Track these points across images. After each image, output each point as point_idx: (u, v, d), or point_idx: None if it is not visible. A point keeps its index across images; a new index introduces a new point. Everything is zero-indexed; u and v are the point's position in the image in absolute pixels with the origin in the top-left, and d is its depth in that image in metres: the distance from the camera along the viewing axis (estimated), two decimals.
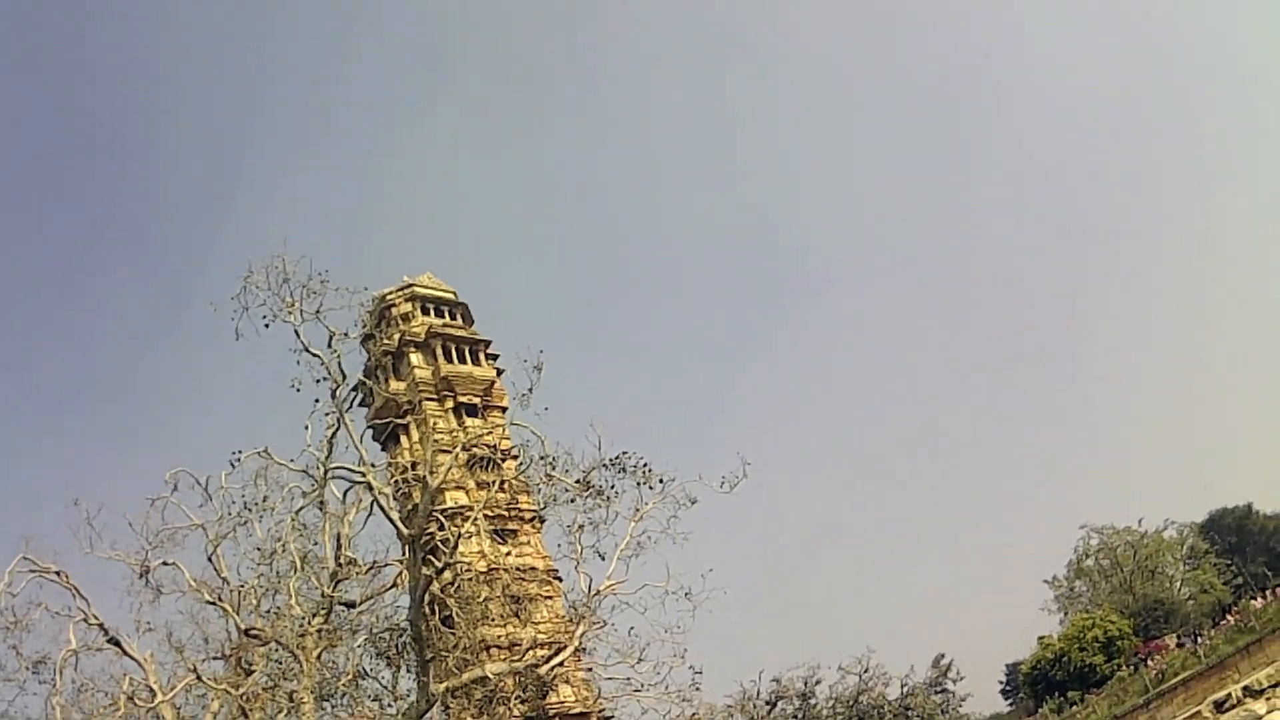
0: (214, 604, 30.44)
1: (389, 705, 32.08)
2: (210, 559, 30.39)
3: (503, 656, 36.81)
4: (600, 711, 44.88)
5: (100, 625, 29.36)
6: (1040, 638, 54.30)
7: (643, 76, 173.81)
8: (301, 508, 30.92)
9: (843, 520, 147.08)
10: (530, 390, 28.42)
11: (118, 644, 29.59)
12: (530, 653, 32.89)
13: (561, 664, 31.85)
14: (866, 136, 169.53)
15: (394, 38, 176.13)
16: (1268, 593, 38.22)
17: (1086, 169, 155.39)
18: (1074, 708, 40.17)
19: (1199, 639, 41.12)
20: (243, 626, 30.29)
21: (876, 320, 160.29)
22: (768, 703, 62.50)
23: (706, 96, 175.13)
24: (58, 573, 29.21)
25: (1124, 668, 43.27)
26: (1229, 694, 29.09)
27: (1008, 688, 75.71)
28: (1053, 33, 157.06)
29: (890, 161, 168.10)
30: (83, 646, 29.29)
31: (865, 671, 62.32)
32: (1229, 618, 42.16)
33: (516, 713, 32.05)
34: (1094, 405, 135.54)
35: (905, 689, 62.64)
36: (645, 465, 30.68)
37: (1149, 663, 40.38)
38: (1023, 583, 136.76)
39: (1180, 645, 42.89)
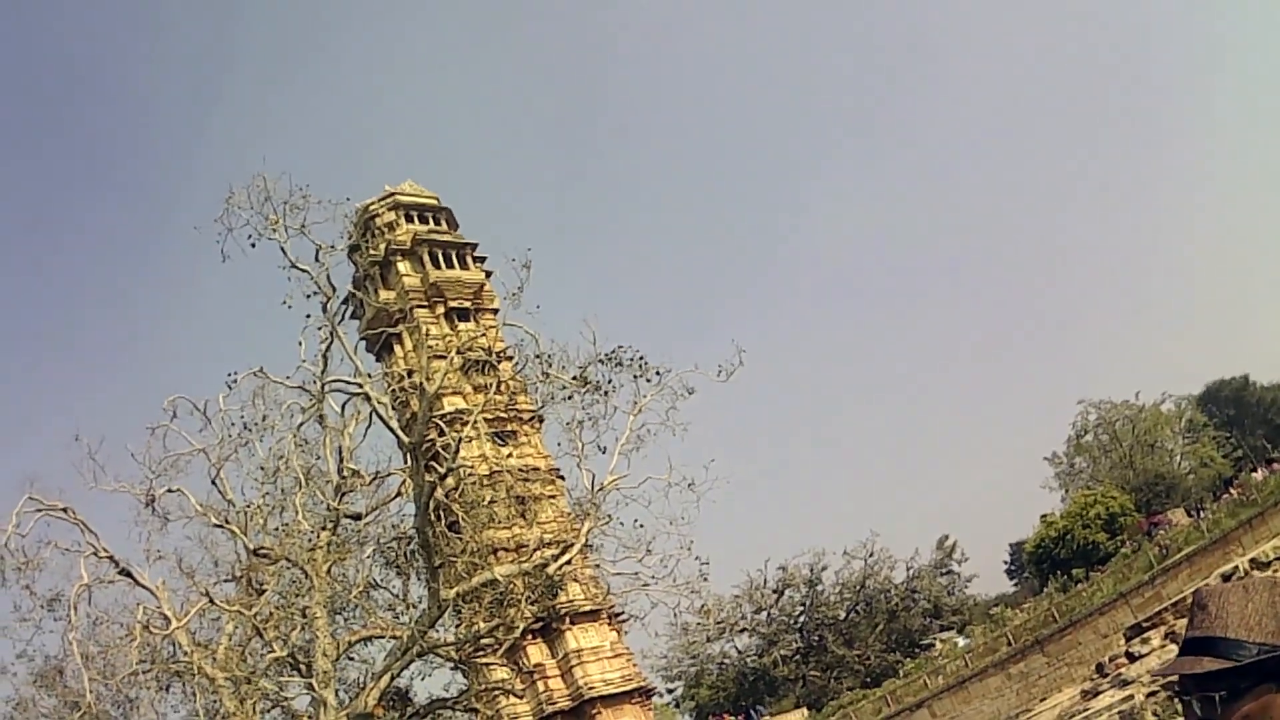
0: (221, 527, 30.46)
1: (401, 614, 32.28)
2: (214, 482, 30.33)
3: (510, 558, 37.03)
4: (610, 607, 45.53)
5: (110, 558, 29.36)
6: (1043, 516, 54.70)
7: None
8: (301, 424, 30.81)
9: (843, 405, 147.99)
10: (520, 289, 28.17)
11: (129, 575, 29.64)
12: (537, 552, 33.00)
13: (569, 562, 32.08)
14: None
15: None
16: (1270, 465, 38.39)
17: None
18: (1079, 585, 40.53)
19: (1201, 513, 41.39)
20: (251, 547, 30.35)
21: (871, 205, 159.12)
22: (775, 591, 63.48)
23: None
24: (64, 509, 29.12)
25: (1127, 544, 43.60)
26: (1235, 567, 29.29)
27: (1012, 567, 76.72)
28: None
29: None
30: (94, 580, 29.32)
31: (870, 556, 63.22)
32: (1230, 491, 42.47)
33: (527, 613, 32.31)
34: (1086, 279, 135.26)
35: (911, 572, 63.60)
36: (641, 358, 30.70)
37: (1151, 538, 40.66)
38: (1023, 461, 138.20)
39: (1190, 516, 43.13)
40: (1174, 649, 10.38)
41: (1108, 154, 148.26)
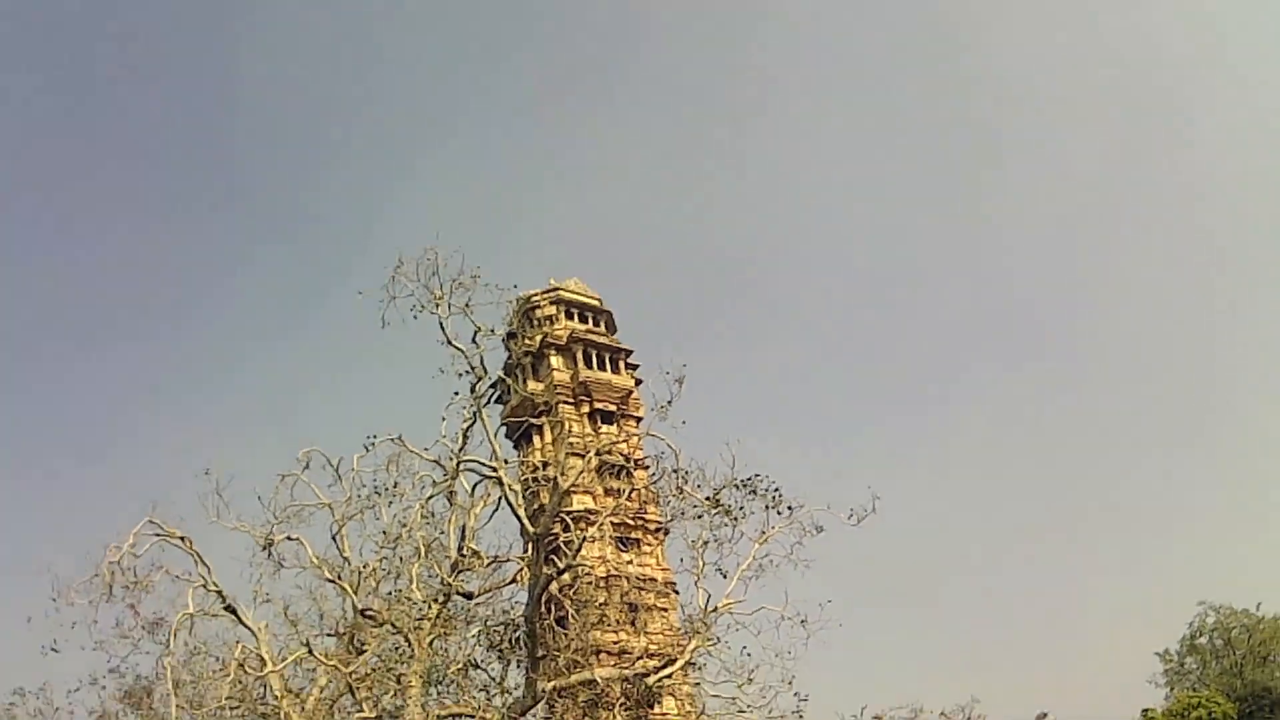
0: (333, 582, 31.20)
1: (495, 697, 32.43)
2: (334, 538, 31.17)
3: (613, 662, 36.96)
4: None
5: (219, 592, 30.28)
6: (1145, 710, 52.49)
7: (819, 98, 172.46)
8: (431, 496, 31.53)
9: (962, 563, 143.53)
10: (670, 402, 28.52)
11: (234, 611, 30.48)
12: (641, 661, 32.91)
13: (670, 676, 31.86)
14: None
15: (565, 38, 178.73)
16: None
17: None
18: None
19: None
20: (359, 606, 30.97)
21: (1022, 396, 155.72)
22: None
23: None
24: (182, 538, 30.19)
25: None
26: None
27: None
28: None
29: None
30: (199, 611, 30.17)
31: (966, 719, 60.81)
32: None
33: (620, 719, 32.13)
34: (1231, 479, 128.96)
35: None
36: (776, 490, 30.56)
37: None
38: (1134, 652, 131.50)
39: None
40: None
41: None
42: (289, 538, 31.06)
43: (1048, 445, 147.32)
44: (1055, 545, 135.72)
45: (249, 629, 30.68)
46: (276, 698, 30.33)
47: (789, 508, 30.40)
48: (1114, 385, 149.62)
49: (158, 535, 30.17)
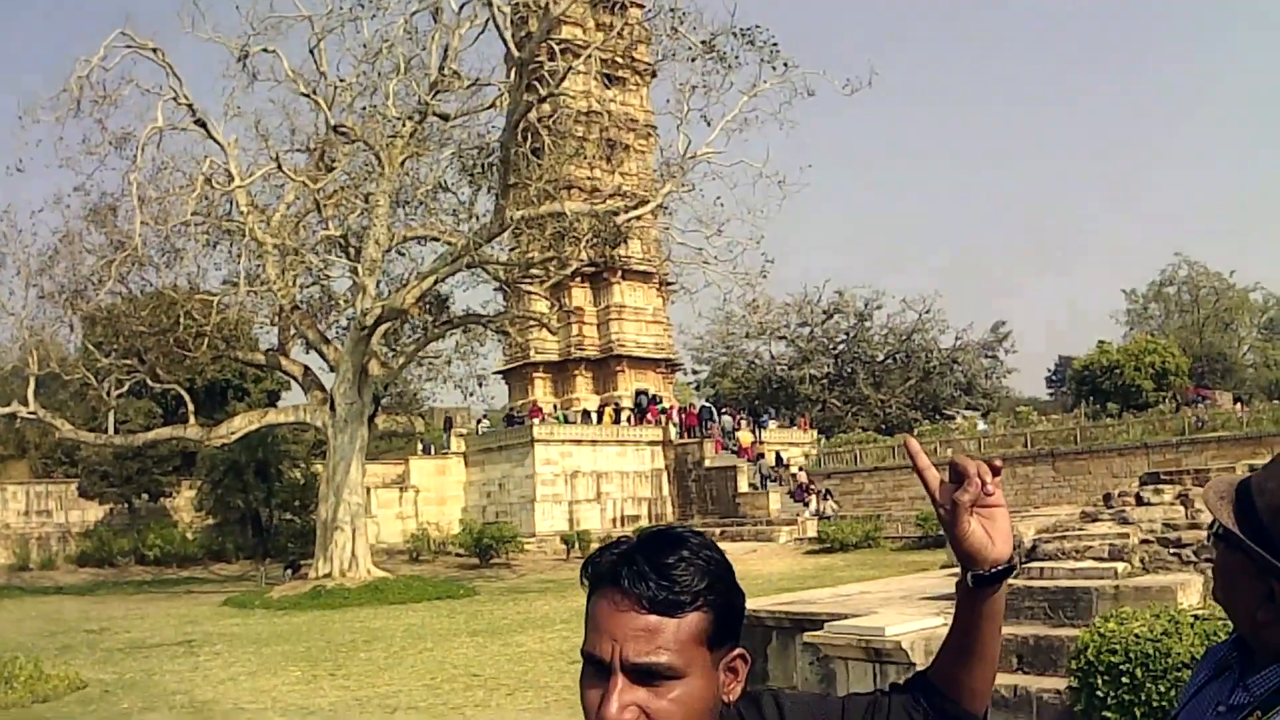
0: (308, 96, 30.22)
1: (463, 222, 32.51)
2: (312, 51, 29.93)
3: (584, 198, 36.94)
4: (663, 274, 45.80)
5: (189, 105, 29.29)
6: (1101, 342, 54.04)
7: None
8: (416, 12, 30.07)
9: (948, 157, 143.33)
10: None
11: (204, 125, 29.64)
12: (612, 199, 32.84)
13: (640, 218, 32.02)
14: None
15: None
16: None
17: None
18: (1110, 419, 40.38)
19: (1248, 405, 41.00)
20: (333, 122, 30.20)
21: None
22: (825, 312, 63.60)
23: None
24: (154, 50, 28.76)
25: (1168, 402, 43.21)
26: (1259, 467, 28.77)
27: (1054, 377, 76.36)
28: None
29: None
30: (169, 125, 29.38)
31: (926, 312, 62.87)
32: None
33: (583, 255, 32.53)
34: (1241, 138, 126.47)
35: (958, 342, 63.45)
36: (774, 44, 29.62)
37: (1191, 407, 40.33)
38: (1102, 286, 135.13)
39: (1237, 404, 42.68)
40: (1182, 509, 10.39)
41: None
42: (265, 50, 29.73)
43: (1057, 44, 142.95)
44: (1045, 153, 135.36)
45: (218, 143, 30.00)
46: (242, 214, 30.18)
47: (784, 64, 29.64)
48: None
49: (129, 48, 28.74)
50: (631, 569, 1.39)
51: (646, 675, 1.36)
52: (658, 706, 1.36)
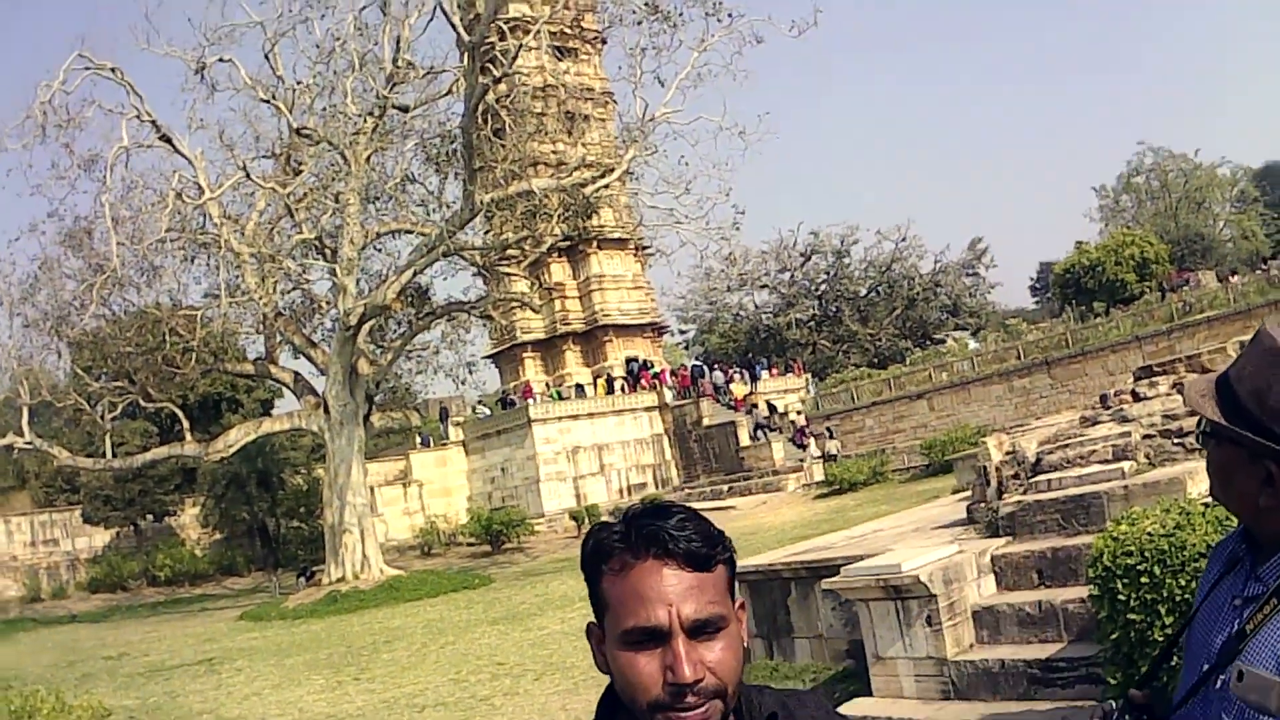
0: (268, 102, 30.20)
1: (434, 212, 32.62)
2: (267, 56, 29.89)
3: (550, 174, 36.97)
4: (639, 239, 45.91)
5: (153, 122, 29.26)
6: (1078, 243, 54.39)
7: None
8: (364, 8, 29.99)
9: (904, 91, 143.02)
10: None
11: (169, 141, 29.62)
12: (578, 171, 32.96)
13: (608, 187, 32.12)
14: None
15: None
16: None
17: None
18: (1098, 318, 40.72)
19: (1231, 281, 41.20)
20: (295, 125, 30.21)
21: None
22: (802, 255, 63.87)
23: None
24: (113, 69, 28.68)
25: (1154, 291, 43.57)
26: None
27: (1037, 285, 76.79)
28: None
29: None
30: (134, 143, 29.35)
31: (902, 240, 63.22)
32: (1265, 268, 41.96)
33: (557, 230, 32.65)
34: (1170, 26, 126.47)
35: (938, 265, 63.72)
36: None
37: (1176, 293, 40.58)
38: (1071, 186, 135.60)
39: (1220, 282, 42.92)
40: (1179, 398, 10.42)
41: None
42: (221, 59, 29.68)
43: None
44: (1005, 80, 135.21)
45: (185, 157, 29.99)
46: (216, 225, 30.22)
47: (729, 15, 29.68)
48: None
49: (88, 69, 28.68)
50: (662, 534, 1.46)
51: (699, 630, 1.43)
52: (716, 658, 1.43)
